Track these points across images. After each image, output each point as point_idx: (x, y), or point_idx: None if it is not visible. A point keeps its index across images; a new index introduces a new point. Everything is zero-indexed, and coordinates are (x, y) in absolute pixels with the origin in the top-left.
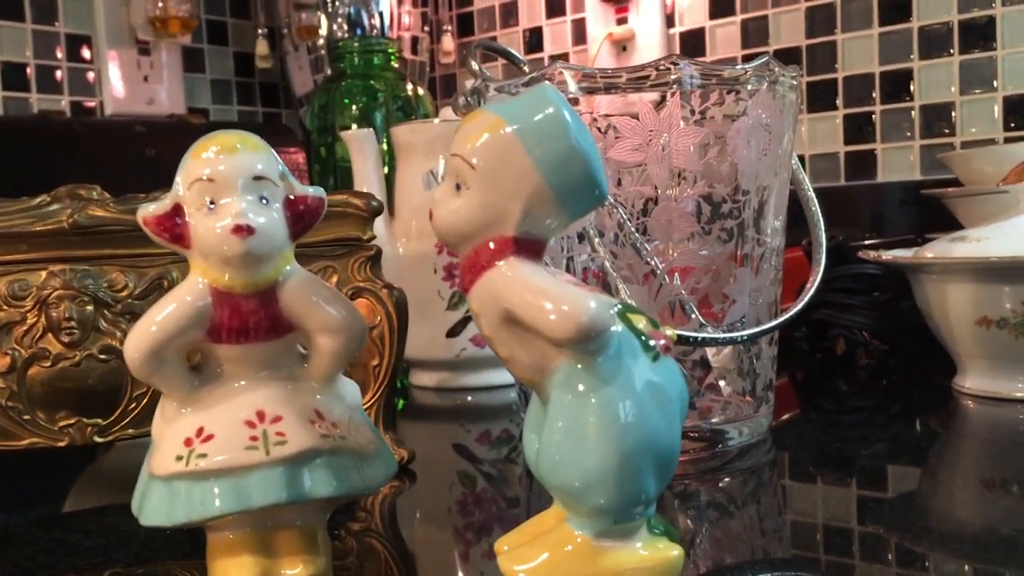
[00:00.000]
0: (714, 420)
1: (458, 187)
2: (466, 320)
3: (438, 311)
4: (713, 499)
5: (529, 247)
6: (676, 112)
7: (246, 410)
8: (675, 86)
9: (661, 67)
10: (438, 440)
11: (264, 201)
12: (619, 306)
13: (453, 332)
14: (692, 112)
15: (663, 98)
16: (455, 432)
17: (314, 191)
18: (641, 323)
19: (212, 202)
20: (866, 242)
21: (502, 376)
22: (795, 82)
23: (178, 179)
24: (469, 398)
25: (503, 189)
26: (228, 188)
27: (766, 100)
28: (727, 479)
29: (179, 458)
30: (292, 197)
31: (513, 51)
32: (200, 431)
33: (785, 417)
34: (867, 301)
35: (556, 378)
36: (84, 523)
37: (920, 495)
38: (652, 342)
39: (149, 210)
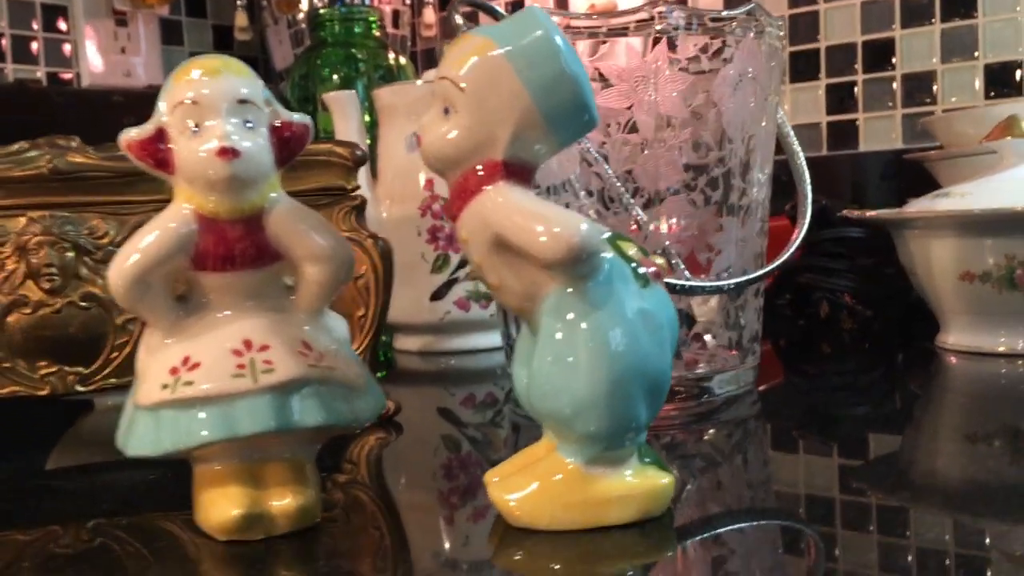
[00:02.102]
0: (699, 371)
1: (446, 111)
2: (450, 283)
3: (422, 274)
4: (699, 449)
5: (518, 171)
6: (662, 59)
7: (233, 339)
8: (662, 32)
9: (648, 13)
10: (423, 403)
11: (249, 125)
12: (610, 233)
13: (437, 295)
14: (678, 59)
15: (648, 45)
16: (440, 396)
17: (299, 117)
18: (631, 250)
19: (196, 125)
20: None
21: (486, 340)
22: (781, 33)
23: (160, 103)
24: (453, 362)
25: (492, 112)
26: (212, 111)
27: (752, 49)
28: (712, 430)
29: (165, 386)
30: (278, 123)
31: (495, 7)
32: (186, 360)
33: (771, 382)
34: (850, 265)
35: (546, 304)
36: (69, 475)
37: (902, 452)
38: (642, 269)
39: (131, 134)
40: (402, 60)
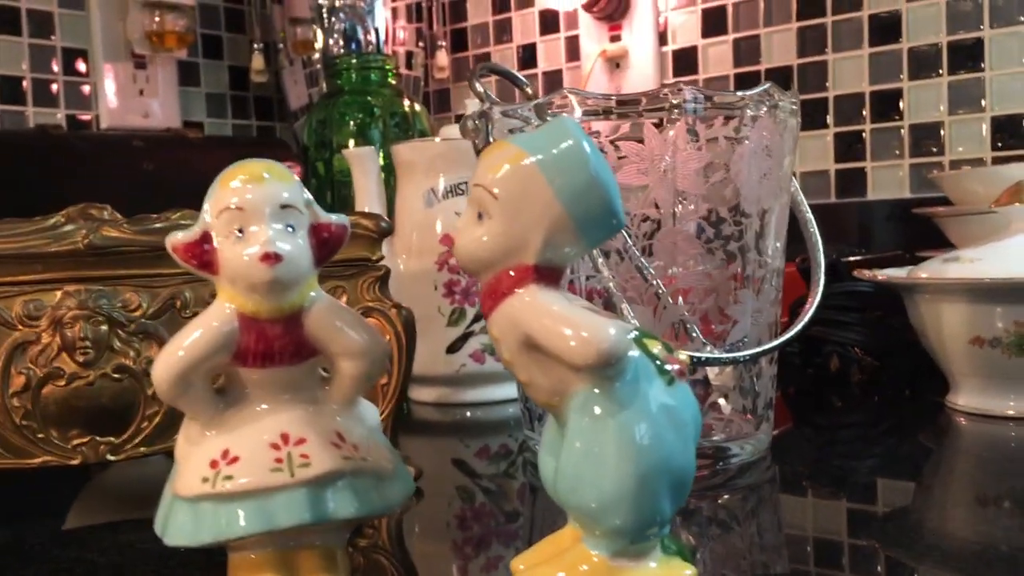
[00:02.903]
0: (715, 438)
1: (480, 216)
2: (466, 336)
3: (438, 327)
4: (715, 515)
5: (548, 274)
6: (681, 136)
7: (270, 432)
8: (678, 111)
9: (664, 93)
10: (438, 455)
11: (290, 229)
12: (635, 332)
13: (453, 348)
14: (696, 137)
15: (663, 123)
16: (454, 447)
17: (337, 219)
18: (656, 348)
19: (240, 230)
20: (855, 258)
21: (501, 392)
22: (795, 107)
23: (206, 206)
24: (468, 414)
25: (524, 218)
26: (256, 216)
27: (767, 124)
28: (727, 496)
29: (205, 480)
30: (317, 224)
31: (514, 72)
32: (226, 453)
33: (780, 431)
34: (860, 318)
35: (574, 402)
36: (99, 540)
37: (914, 511)
38: (667, 367)
39: (178, 237)
40: (416, 107)
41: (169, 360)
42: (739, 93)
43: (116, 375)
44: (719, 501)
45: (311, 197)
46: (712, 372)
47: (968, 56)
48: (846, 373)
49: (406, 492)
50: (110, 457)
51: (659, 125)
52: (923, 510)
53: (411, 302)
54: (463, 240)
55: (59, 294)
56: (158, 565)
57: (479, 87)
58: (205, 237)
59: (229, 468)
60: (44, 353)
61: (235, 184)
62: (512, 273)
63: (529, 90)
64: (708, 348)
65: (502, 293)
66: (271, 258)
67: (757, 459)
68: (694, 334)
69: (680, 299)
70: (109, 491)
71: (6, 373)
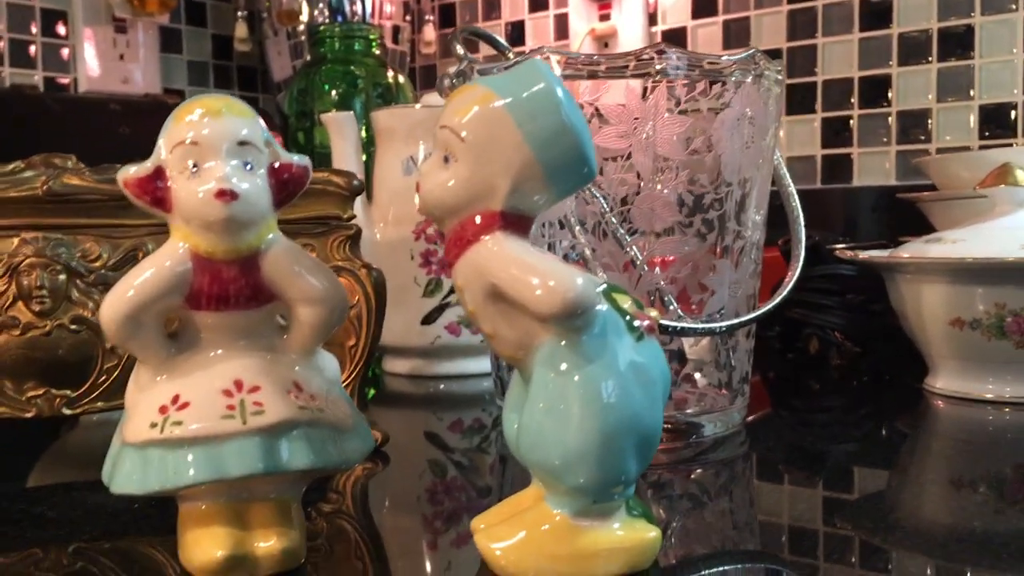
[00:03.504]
0: (689, 411)
1: (446, 160)
2: (442, 308)
3: (414, 298)
4: (686, 490)
5: (516, 222)
6: (662, 101)
7: (223, 379)
8: (661, 75)
9: (648, 55)
10: (410, 427)
11: (248, 167)
12: (605, 285)
13: (428, 319)
14: (677, 102)
15: (648, 87)
16: (427, 420)
17: (299, 159)
18: (626, 303)
19: (195, 165)
20: (839, 245)
21: (475, 365)
22: (780, 76)
23: (160, 141)
24: (442, 386)
25: (492, 163)
26: (212, 152)
27: (751, 93)
28: (700, 470)
29: (153, 425)
30: (277, 164)
31: (497, 37)
32: (176, 399)
33: (758, 415)
34: (841, 302)
35: (539, 355)
36: (50, 495)
37: (888, 492)
38: (636, 322)
39: (130, 172)
40: (400, 78)
41: (118, 299)
42: (724, 58)
43: (73, 326)
44: (691, 476)
45: (271, 136)
46: (687, 344)
47: (958, 43)
48: (825, 357)
49: (365, 447)
50: (66, 411)
51: (643, 93)
52: (896, 493)
53: (387, 272)
54: (428, 184)
55: (16, 241)
56: (109, 521)
57: (460, 49)
58: (158, 173)
59: (179, 414)
60: None
61: (191, 118)
62: (478, 220)
63: (510, 54)
64: (684, 319)
65: (467, 240)
66: (226, 195)
67: (731, 433)
68: (671, 306)
69: (657, 268)
70: (71, 452)
71: None
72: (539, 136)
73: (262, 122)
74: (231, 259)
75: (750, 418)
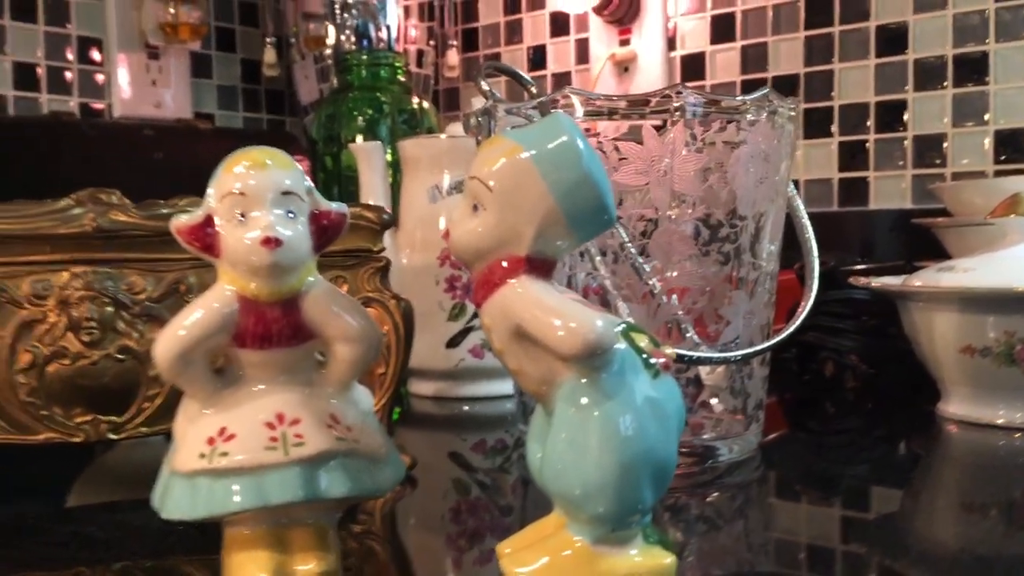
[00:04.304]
0: (705, 436)
1: (475, 208)
2: (466, 331)
3: (439, 322)
4: (702, 513)
5: (540, 266)
6: (679, 139)
7: (266, 412)
8: (679, 114)
9: (666, 95)
10: (435, 448)
11: (291, 215)
12: (623, 325)
13: (453, 343)
14: (694, 139)
15: (665, 124)
16: (451, 441)
17: (337, 207)
18: (643, 342)
19: (242, 214)
20: (856, 267)
21: (499, 387)
22: (793, 113)
23: (210, 191)
24: (466, 408)
25: (518, 211)
26: (258, 202)
27: (765, 129)
28: (716, 493)
29: (202, 456)
30: (317, 212)
31: (520, 72)
32: (223, 431)
33: (773, 436)
34: (855, 325)
35: (561, 391)
36: (97, 517)
37: (902, 516)
38: (653, 360)
39: (182, 220)
40: (425, 104)
41: (170, 338)
42: (739, 98)
43: (120, 356)
44: (707, 499)
45: (312, 185)
46: (704, 371)
47: (973, 69)
48: (841, 380)
49: (397, 476)
50: (111, 436)
51: (660, 127)
52: (908, 515)
53: (412, 296)
54: (458, 231)
55: (66, 275)
56: (155, 542)
57: (485, 85)
58: (208, 221)
59: (225, 445)
60: (50, 332)
61: (239, 169)
62: (505, 264)
63: (534, 90)
64: (701, 347)
65: (494, 283)
66: (271, 242)
67: (746, 458)
68: (688, 333)
69: (674, 298)
70: (110, 472)
71: (13, 351)
72: (562, 186)
73: (303, 172)
74: (274, 301)
75: (767, 438)
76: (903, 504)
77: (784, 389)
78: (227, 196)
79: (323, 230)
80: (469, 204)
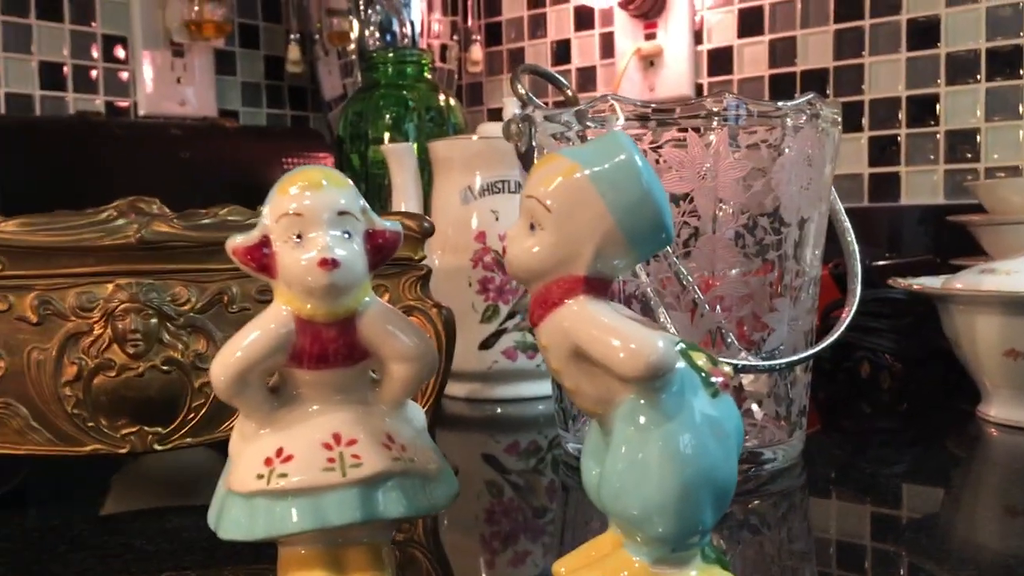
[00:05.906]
0: (748, 444)
1: (532, 227)
2: (499, 333)
3: (472, 323)
4: (746, 520)
5: (598, 285)
6: (722, 146)
7: (323, 432)
8: (722, 120)
9: (708, 101)
10: (469, 450)
11: (347, 235)
12: (682, 344)
13: (486, 344)
14: (737, 145)
15: (705, 130)
16: (485, 442)
17: (391, 225)
18: (701, 360)
19: (299, 235)
20: (886, 262)
21: (532, 389)
22: (836, 116)
23: (265, 211)
24: (499, 410)
25: (576, 231)
26: (314, 222)
27: (809, 134)
28: (758, 501)
29: (260, 476)
30: (372, 231)
31: (556, 75)
32: (280, 451)
33: (809, 433)
34: (892, 325)
35: (620, 411)
36: (143, 527)
37: (944, 519)
38: (712, 379)
39: (237, 241)
40: (452, 101)
41: (228, 360)
42: (780, 104)
43: (165, 367)
44: (750, 506)
45: (366, 204)
46: (747, 379)
47: (1006, 63)
48: (876, 379)
49: (451, 492)
50: (157, 447)
51: (698, 130)
52: (950, 519)
53: (445, 298)
54: (515, 250)
55: (111, 287)
56: (206, 555)
57: (521, 90)
58: (264, 241)
59: (283, 466)
60: (96, 344)
61: (294, 190)
62: (563, 283)
63: (569, 92)
64: (744, 355)
65: (552, 303)
66: (328, 263)
67: (789, 465)
68: (730, 340)
69: (717, 306)
70: (145, 477)
71: (59, 363)
72: (621, 205)
73: (358, 192)
74: (330, 321)
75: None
76: (943, 507)
77: (816, 388)
78: (283, 217)
79: (378, 249)
80: (526, 223)
